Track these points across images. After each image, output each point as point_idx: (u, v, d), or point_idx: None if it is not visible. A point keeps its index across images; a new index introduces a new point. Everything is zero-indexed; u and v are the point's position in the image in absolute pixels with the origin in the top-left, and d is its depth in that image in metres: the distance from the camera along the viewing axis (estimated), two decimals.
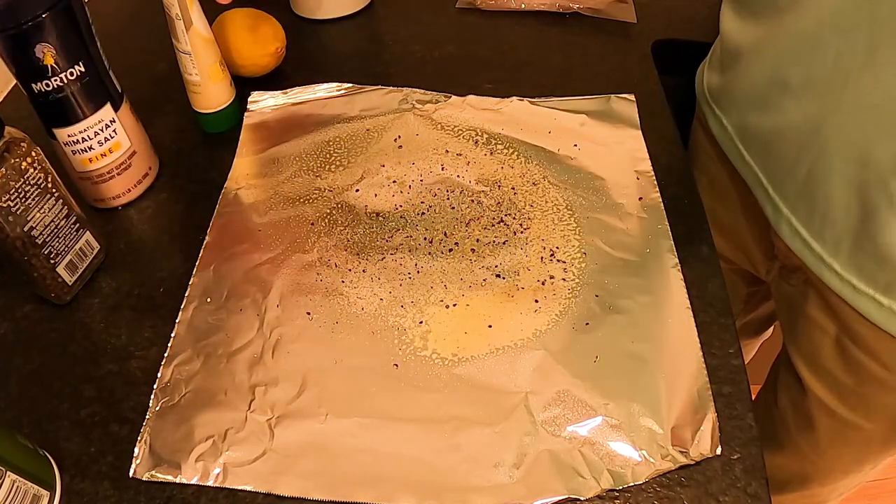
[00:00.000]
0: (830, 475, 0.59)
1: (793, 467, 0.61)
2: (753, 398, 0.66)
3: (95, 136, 0.50)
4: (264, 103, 0.61)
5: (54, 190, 0.45)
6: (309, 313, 0.47)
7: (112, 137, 0.51)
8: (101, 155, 0.51)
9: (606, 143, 0.56)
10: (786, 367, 0.58)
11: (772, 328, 0.74)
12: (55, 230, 0.46)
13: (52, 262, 0.46)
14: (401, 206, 0.53)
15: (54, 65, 0.46)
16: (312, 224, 0.52)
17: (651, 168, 0.54)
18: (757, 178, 0.50)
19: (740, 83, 0.50)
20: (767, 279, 0.59)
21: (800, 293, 0.52)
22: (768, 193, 0.49)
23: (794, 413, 0.58)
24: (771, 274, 0.57)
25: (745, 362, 0.44)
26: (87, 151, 0.50)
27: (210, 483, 0.40)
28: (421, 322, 0.46)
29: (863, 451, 0.55)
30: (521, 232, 0.50)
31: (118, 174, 0.53)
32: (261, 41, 0.61)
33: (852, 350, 0.48)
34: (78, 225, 0.48)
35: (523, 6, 0.70)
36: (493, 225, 0.51)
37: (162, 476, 0.40)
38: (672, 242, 0.49)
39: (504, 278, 0.48)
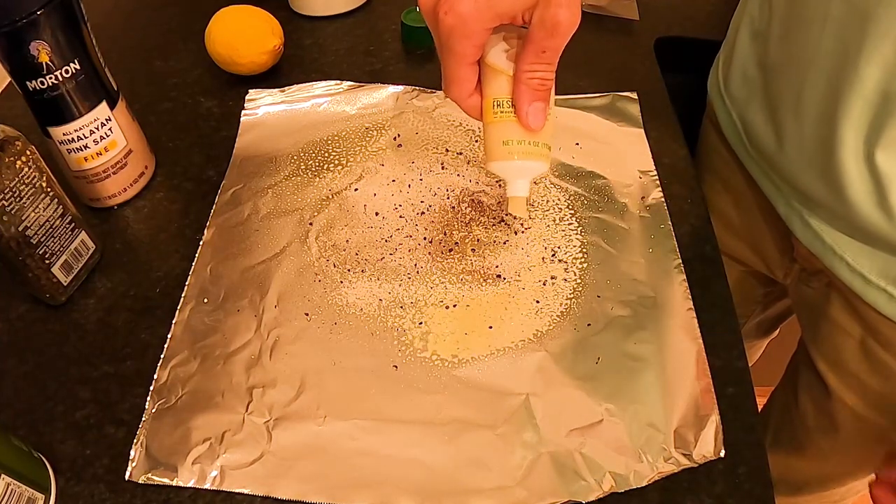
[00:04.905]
0: (850, 476, 0.59)
1: (812, 469, 0.61)
2: (766, 399, 0.66)
3: (91, 134, 0.50)
4: (262, 101, 0.61)
5: (49, 189, 0.45)
6: (307, 314, 0.46)
7: (108, 136, 0.51)
8: (97, 154, 0.51)
9: (609, 141, 0.56)
10: (806, 369, 0.57)
11: (778, 329, 0.74)
12: (50, 230, 0.45)
13: (47, 262, 0.45)
14: (400, 206, 0.52)
15: (49, 62, 0.45)
16: (311, 224, 0.51)
17: (654, 167, 0.54)
18: (765, 172, 0.50)
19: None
20: (785, 282, 0.58)
21: (822, 296, 0.52)
22: (778, 187, 0.49)
23: (816, 414, 0.57)
24: (790, 277, 0.57)
25: (752, 363, 0.44)
26: (82, 150, 0.50)
27: (207, 486, 0.39)
28: (421, 323, 0.45)
29: (885, 452, 0.55)
30: (522, 232, 0.50)
31: (114, 173, 0.52)
32: (258, 39, 0.60)
33: (878, 352, 0.48)
34: (73, 225, 0.47)
35: None
36: (494, 224, 0.50)
37: (158, 479, 0.39)
38: (675, 242, 0.49)
39: (505, 279, 0.47)
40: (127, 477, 0.40)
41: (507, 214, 0.51)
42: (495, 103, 0.36)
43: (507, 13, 0.33)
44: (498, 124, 0.36)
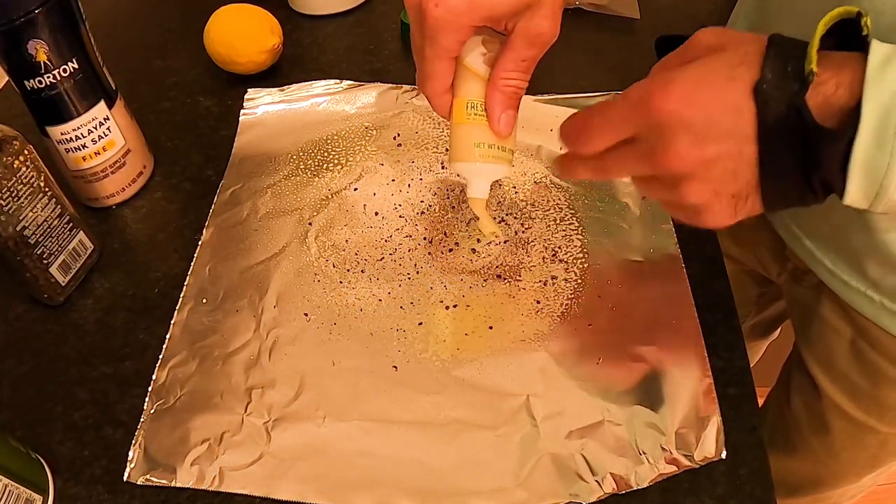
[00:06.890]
0: (844, 478, 0.59)
1: (806, 470, 0.60)
2: (763, 400, 0.66)
3: (89, 133, 0.49)
4: (261, 101, 0.60)
5: (47, 189, 0.44)
6: (306, 314, 0.46)
7: (106, 135, 0.50)
8: (95, 153, 0.50)
9: None
10: (799, 370, 0.57)
11: (779, 330, 0.73)
12: (48, 230, 0.45)
13: (45, 262, 0.45)
14: (400, 206, 0.52)
15: (47, 61, 0.45)
16: (310, 223, 0.51)
17: None
18: None
19: None
20: (779, 281, 0.58)
21: (813, 296, 0.52)
22: None
23: (808, 416, 0.57)
24: (783, 276, 0.57)
25: (752, 364, 0.44)
26: (80, 150, 0.50)
27: (206, 487, 0.39)
28: (420, 323, 0.45)
29: (878, 454, 0.55)
30: (523, 232, 0.50)
31: (112, 173, 0.52)
32: (258, 37, 0.60)
33: (868, 352, 0.48)
34: (71, 224, 0.47)
35: None
36: None
37: (157, 480, 0.39)
38: (676, 242, 0.49)
39: (505, 279, 0.47)
40: (125, 478, 0.39)
41: (507, 214, 0.51)
42: (469, 105, 0.37)
43: (493, 16, 0.33)
44: (470, 125, 0.37)
